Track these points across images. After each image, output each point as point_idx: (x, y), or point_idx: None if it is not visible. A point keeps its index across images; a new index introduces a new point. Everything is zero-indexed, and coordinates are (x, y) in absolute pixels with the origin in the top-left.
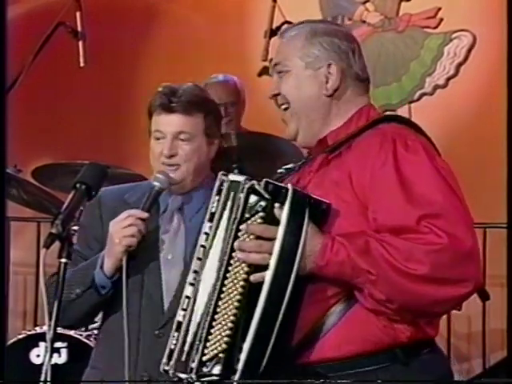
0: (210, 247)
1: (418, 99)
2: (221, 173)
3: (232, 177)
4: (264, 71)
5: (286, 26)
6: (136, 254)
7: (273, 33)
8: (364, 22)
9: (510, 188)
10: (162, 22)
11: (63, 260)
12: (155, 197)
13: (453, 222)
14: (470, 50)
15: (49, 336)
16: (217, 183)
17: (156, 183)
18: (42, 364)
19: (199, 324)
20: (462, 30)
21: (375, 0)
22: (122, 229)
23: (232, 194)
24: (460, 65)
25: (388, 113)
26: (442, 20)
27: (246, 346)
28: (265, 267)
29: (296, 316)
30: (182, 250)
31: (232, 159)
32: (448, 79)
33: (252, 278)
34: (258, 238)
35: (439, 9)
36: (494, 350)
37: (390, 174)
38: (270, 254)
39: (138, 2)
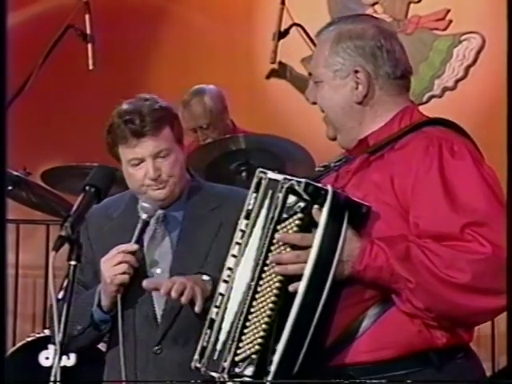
0: (246, 245)
1: (427, 101)
2: (259, 170)
3: (271, 175)
4: (272, 74)
5: (325, 24)
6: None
7: (281, 35)
8: None
9: (510, 188)
10: (171, 23)
11: (73, 262)
12: (144, 227)
13: (497, 231)
14: (479, 52)
15: (58, 339)
16: (254, 180)
17: (143, 214)
18: (51, 366)
19: (233, 323)
20: (471, 32)
21: (384, 2)
22: (113, 267)
23: (270, 192)
24: (469, 67)
25: None
26: (451, 22)
27: (280, 348)
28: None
29: (331, 318)
30: (168, 263)
31: (240, 161)
32: (457, 81)
33: (291, 288)
34: (294, 246)
35: (448, 11)
36: (503, 352)
37: (435, 180)
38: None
39: (146, 4)
